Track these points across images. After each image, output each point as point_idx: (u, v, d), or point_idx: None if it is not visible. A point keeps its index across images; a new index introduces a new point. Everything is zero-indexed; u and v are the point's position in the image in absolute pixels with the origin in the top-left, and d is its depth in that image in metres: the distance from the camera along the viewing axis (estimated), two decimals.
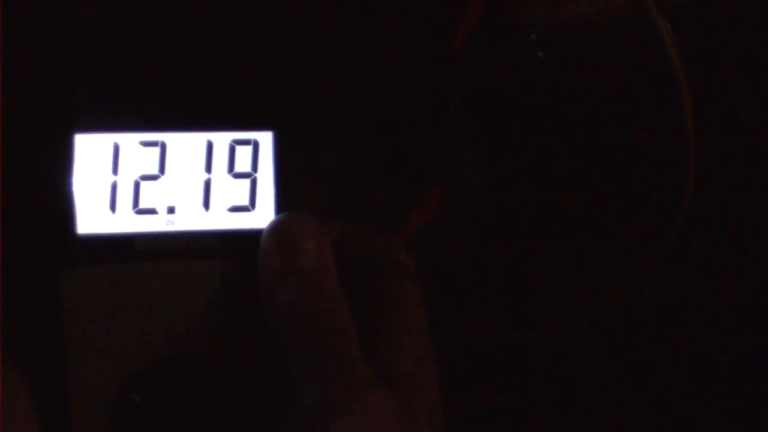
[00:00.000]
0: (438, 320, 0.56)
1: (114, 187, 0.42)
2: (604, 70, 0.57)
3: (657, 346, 0.61)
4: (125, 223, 0.42)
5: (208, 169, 0.43)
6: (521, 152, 0.57)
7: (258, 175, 0.44)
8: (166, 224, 0.43)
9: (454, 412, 0.58)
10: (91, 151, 0.42)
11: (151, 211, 0.42)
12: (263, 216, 0.43)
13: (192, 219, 0.43)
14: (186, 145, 0.43)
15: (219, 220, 0.43)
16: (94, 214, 0.42)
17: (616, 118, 0.57)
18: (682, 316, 0.61)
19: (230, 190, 0.43)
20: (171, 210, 0.43)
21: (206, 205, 0.43)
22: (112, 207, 0.42)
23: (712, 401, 0.62)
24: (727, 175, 0.60)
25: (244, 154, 0.43)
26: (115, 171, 0.42)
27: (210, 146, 0.43)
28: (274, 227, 0.41)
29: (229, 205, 0.43)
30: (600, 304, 0.55)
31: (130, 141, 0.42)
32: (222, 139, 0.43)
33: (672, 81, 0.52)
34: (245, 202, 0.43)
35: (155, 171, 0.43)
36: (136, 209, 0.42)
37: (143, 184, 0.42)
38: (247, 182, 0.43)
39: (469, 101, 0.54)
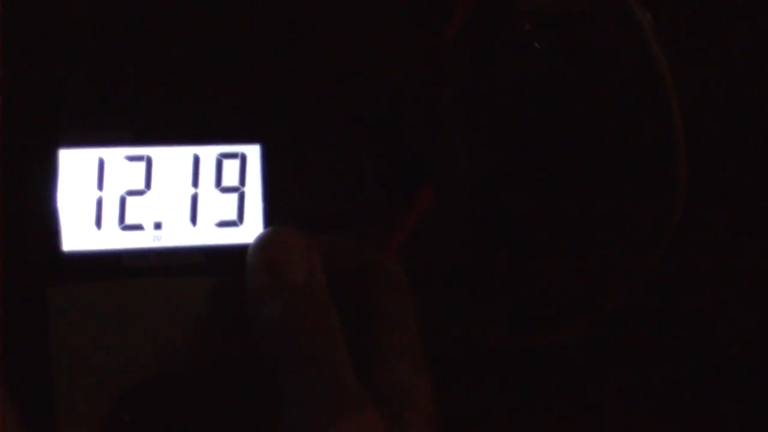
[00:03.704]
0: (434, 325, 0.55)
1: (99, 202, 0.41)
2: (601, 59, 0.56)
3: (660, 341, 0.61)
4: (111, 239, 0.42)
5: (195, 183, 0.42)
6: (517, 147, 0.56)
7: (246, 189, 0.43)
8: (153, 240, 0.42)
9: (456, 412, 0.57)
10: (75, 167, 0.41)
11: (138, 227, 0.42)
12: (251, 230, 0.43)
13: (179, 234, 0.42)
14: (172, 160, 0.42)
15: (206, 235, 0.43)
16: (80, 231, 0.41)
17: (615, 110, 0.56)
18: (685, 311, 0.61)
19: (218, 205, 0.43)
20: (158, 226, 0.42)
21: (193, 220, 0.42)
22: (98, 223, 0.41)
23: (718, 398, 0.61)
24: (729, 168, 0.59)
25: (231, 167, 0.43)
26: (100, 186, 0.41)
27: (197, 160, 0.42)
28: (261, 242, 0.41)
29: (217, 220, 0.43)
30: (601, 304, 0.55)
31: (115, 156, 0.41)
32: (209, 152, 0.42)
33: (654, 73, 0.51)
34: (233, 216, 0.43)
35: (141, 186, 0.42)
36: (123, 225, 0.42)
37: (129, 199, 0.42)
38: (234, 196, 0.43)
39: (463, 95, 0.53)
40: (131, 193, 0.42)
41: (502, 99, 0.55)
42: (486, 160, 0.55)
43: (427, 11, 0.52)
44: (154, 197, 0.42)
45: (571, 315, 0.55)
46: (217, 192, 0.43)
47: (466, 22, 0.52)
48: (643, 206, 0.56)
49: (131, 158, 0.42)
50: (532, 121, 0.56)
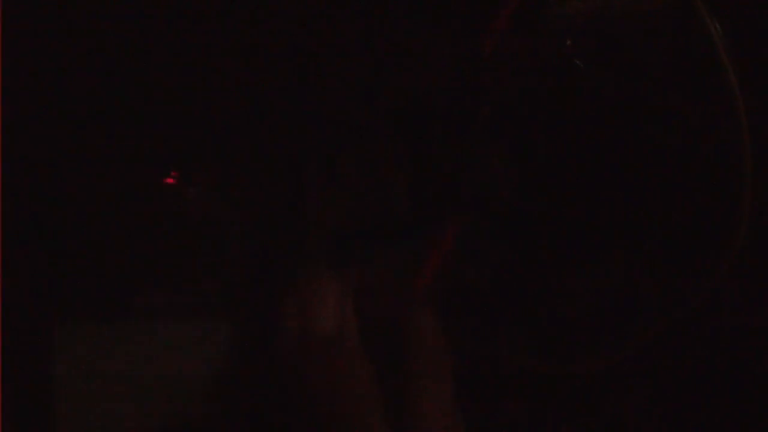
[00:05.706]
0: (463, 348, 0.54)
1: None
2: (644, 72, 0.53)
3: (691, 359, 0.59)
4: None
5: None
6: (554, 166, 0.54)
7: None
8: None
9: (480, 425, 0.57)
10: None
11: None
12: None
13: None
14: None
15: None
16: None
17: (658, 124, 0.54)
18: (717, 334, 0.59)
19: None
20: None
21: None
22: None
23: (753, 419, 0.60)
24: None
25: None
26: None
27: None
28: (293, 290, 0.39)
29: None
30: (639, 334, 0.53)
31: None
32: None
33: (722, 84, 0.49)
34: None
35: None
36: None
37: None
38: None
39: (500, 110, 0.51)
40: None
41: (541, 114, 0.53)
42: (522, 179, 0.53)
43: (465, 24, 0.51)
44: None
45: (605, 345, 0.53)
46: None
47: (505, 36, 0.50)
48: (696, 231, 0.54)
49: None
50: (570, 140, 0.54)
